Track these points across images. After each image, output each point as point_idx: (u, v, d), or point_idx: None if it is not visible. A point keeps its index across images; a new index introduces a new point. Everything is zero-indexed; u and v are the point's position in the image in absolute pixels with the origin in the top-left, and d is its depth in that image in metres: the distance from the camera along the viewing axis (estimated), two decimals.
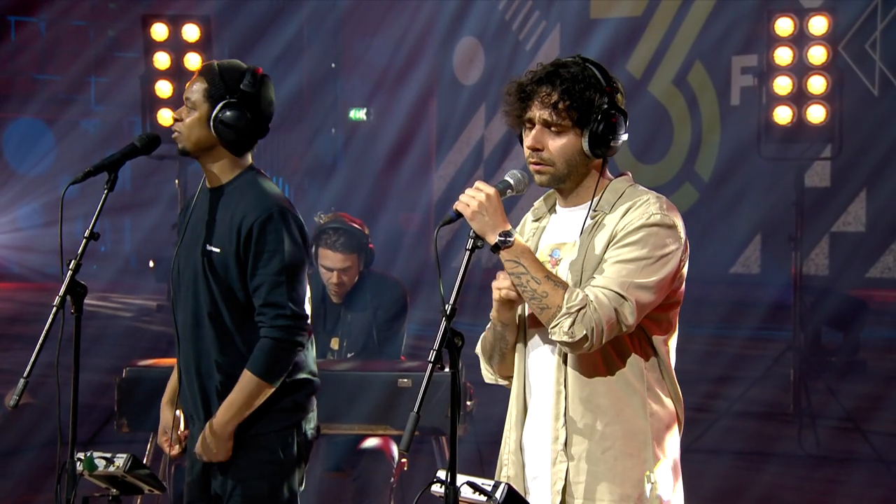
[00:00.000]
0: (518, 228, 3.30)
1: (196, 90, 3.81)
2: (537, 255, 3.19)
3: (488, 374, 3.35)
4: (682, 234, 3.09)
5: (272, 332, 3.75)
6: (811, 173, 14.04)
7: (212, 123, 3.77)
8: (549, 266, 3.15)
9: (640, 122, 14.84)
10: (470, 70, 18.25)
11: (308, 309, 3.89)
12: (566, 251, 3.15)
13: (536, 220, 3.28)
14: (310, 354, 3.93)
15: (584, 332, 2.97)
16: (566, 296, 2.98)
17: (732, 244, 15.31)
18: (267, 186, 3.84)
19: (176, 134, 3.84)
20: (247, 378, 3.75)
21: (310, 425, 3.92)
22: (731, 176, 14.96)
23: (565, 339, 2.99)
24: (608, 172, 3.21)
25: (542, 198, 3.28)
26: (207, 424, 3.77)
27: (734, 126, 14.81)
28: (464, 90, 18.25)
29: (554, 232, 3.21)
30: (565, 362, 3.11)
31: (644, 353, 3.11)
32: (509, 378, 3.30)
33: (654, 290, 3.02)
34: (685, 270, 3.13)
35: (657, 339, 3.12)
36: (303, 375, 3.89)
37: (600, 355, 3.07)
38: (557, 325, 2.99)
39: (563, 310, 2.98)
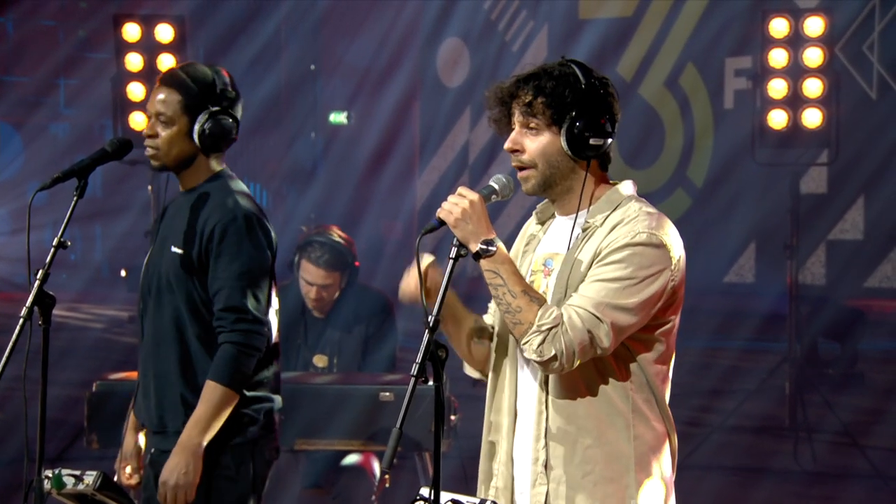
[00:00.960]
0: (525, 227, 3.30)
1: (170, 103, 3.80)
2: (532, 264, 3.20)
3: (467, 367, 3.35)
4: (675, 254, 3.05)
5: (233, 337, 3.76)
6: (807, 179, 14.05)
7: (196, 136, 3.78)
8: (541, 276, 3.15)
9: (631, 126, 14.86)
10: (454, 72, 18.25)
11: (274, 318, 3.89)
12: (558, 262, 3.14)
13: (539, 224, 3.27)
14: (272, 369, 3.91)
15: (554, 352, 2.95)
16: (539, 312, 2.97)
17: (726, 252, 15.33)
18: (237, 190, 3.87)
19: (152, 151, 3.83)
20: (210, 388, 3.74)
21: (269, 445, 3.90)
22: (724, 182, 14.99)
23: (534, 357, 2.99)
24: (608, 179, 3.18)
25: (545, 201, 3.27)
26: (177, 444, 3.74)
27: (727, 130, 14.84)
28: (448, 93, 18.24)
29: (550, 240, 3.21)
30: (546, 381, 3.10)
31: (629, 374, 3.09)
32: (482, 372, 3.30)
33: (635, 313, 2.99)
34: (681, 291, 3.09)
35: (644, 360, 3.09)
36: (262, 391, 3.87)
37: (581, 375, 3.06)
38: (528, 342, 2.98)
39: (534, 327, 2.97)
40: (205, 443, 3.73)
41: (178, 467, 3.73)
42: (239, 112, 3.89)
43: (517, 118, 3.11)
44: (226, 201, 3.82)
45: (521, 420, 3.18)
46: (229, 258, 3.77)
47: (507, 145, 3.13)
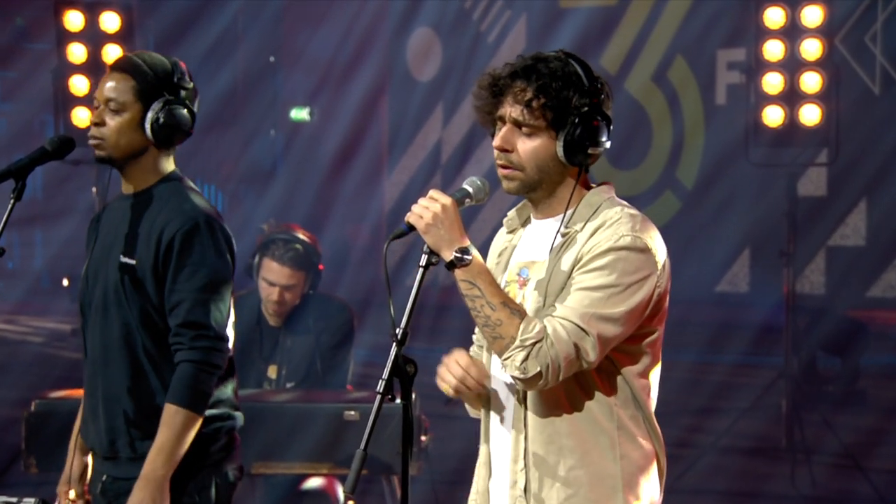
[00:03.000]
0: (493, 242, 3.31)
1: (122, 89, 3.78)
2: (506, 274, 3.20)
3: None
4: (659, 259, 3.07)
5: (192, 355, 3.74)
6: (805, 181, 14.12)
7: (149, 125, 3.76)
8: (516, 287, 3.15)
9: (616, 124, 14.85)
10: (425, 65, 18.26)
11: (231, 331, 3.88)
12: (535, 271, 3.15)
13: (510, 233, 3.28)
14: (230, 385, 3.91)
15: (539, 368, 2.96)
16: (522, 326, 2.98)
17: (718, 259, 15.38)
18: (192, 194, 3.86)
19: (97, 141, 3.80)
20: (171, 412, 3.72)
21: (231, 465, 3.90)
22: (716, 183, 15.04)
23: (517, 374, 2.99)
24: (588, 181, 3.19)
25: (515, 207, 3.28)
26: (140, 477, 3.73)
27: (720, 128, 14.90)
28: (418, 87, 18.25)
29: (525, 248, 3.22)
30: (525, 398, 3.11)
31: (614, 388, 3.10)
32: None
33: (621, 322, 3.01)
34: (666, 299, 3.12)
35: (629, 373, 3.11)
36: (221, 409, 3.87)
37: (563, 390, 3.06)
38: (510, 357, 2.98)
39: (517, 342, 2.97)
40: (170, 472, 3.72)
41: (143, 503, 3.71)
42: (196, 107, 3.88)
43: (511, 114, 3.11)
44: (183, 206, 3.80)
45: (500, 443, 3.19)
46: (192, 269, 3.75)
47: (496, 142, 3.13)
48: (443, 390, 3.16)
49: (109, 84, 3.80)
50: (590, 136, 3.08)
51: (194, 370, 3.73)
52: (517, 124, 3.11)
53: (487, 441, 3.23)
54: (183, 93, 3.83)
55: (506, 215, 3.30)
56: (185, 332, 3.74)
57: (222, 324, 3.79)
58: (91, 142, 3.82)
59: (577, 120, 3.07)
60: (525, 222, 3.26)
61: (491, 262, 3.29)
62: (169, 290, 3.76)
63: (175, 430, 3.71)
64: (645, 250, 3.05)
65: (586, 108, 3.07)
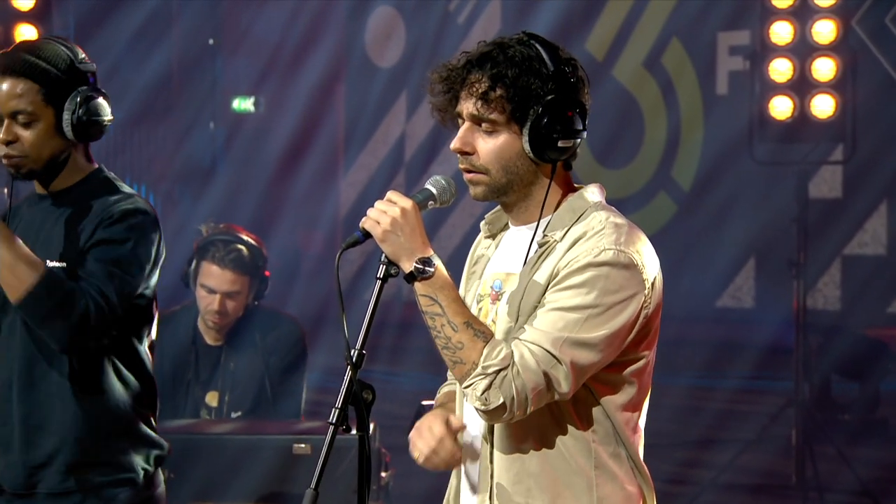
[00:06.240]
0: (472, 247, 3.30)
1: (28, 97, 3.76)
2: (479, 287, 3.20)
3: None
4: (648, 276, 3.06)
5: (91, 297, 3.66)
6: (817, 181, 14.19)
7: (69, 127, 3.76)
8: (489, 302, 3.15)
9: (603, 116, 14.92)
10: (387, 48, 18.27)
11: (148, 356, 3.87)
12: (509, 284, 3.15)
13: (490, 237, 3.28)
14: (147, 422, 3.90)
15: (502, 399, 2.95)
16: (485, 351, 2.97)
17: (719, 270, 15.42)
18: (126, 188, 3.88)
19: (17, 160, 3.78)
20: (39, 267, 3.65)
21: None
22: (716, 184, 15.08)
23: (478, 405, 2.99)
24: (571, 182, 3.19)
25: (493, 210, 3.27)
26: None
27: (720, 121, 14.95)
28: (379, 74, 18.26)
29: (501, 257, 3.22)
30: (491, 431, 3.11)
31: (591, 422, 3.09)
32: None
33: (600, 349, 2.99)
34: (656, 321, 3.11)
35: (610, 405, 3.09)
36: (141, 454, 3.88)
37: (534, 423, 3.06)
38: (471, 386, 2.98)
39: (479, 368, 2.97)
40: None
41: None
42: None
43: (468, 110, 3.11)
44: (122, 196, 3.82)
45: (466, 479, 3.19)
46: (116, 244, 3.73)
47: (454, 145, 3.13)
48: (414, 457, 3.17)
49: (7, 91, 3.76)
50: (558, 127, 3.06)
51: (85, 298, 3.65)
52: (475, 121, 3.11)
53: (458, 475, 3.23)
54: (91, 79, 3.83)
55: (482, 218, 3.30)
56: (92, 286, 3.68)
57: (121, 306, 3.73)
58: (8, 162, 3.79)
59: (540, 110, 3.06)
60: (504, 227, 3.26)
61: (466, 269, 3.29)
62: (80, 258, 3.72)
63: (23, 263, 3.63)
64: (630, 266, 3.03)
65: (551, 96, 3.06)
